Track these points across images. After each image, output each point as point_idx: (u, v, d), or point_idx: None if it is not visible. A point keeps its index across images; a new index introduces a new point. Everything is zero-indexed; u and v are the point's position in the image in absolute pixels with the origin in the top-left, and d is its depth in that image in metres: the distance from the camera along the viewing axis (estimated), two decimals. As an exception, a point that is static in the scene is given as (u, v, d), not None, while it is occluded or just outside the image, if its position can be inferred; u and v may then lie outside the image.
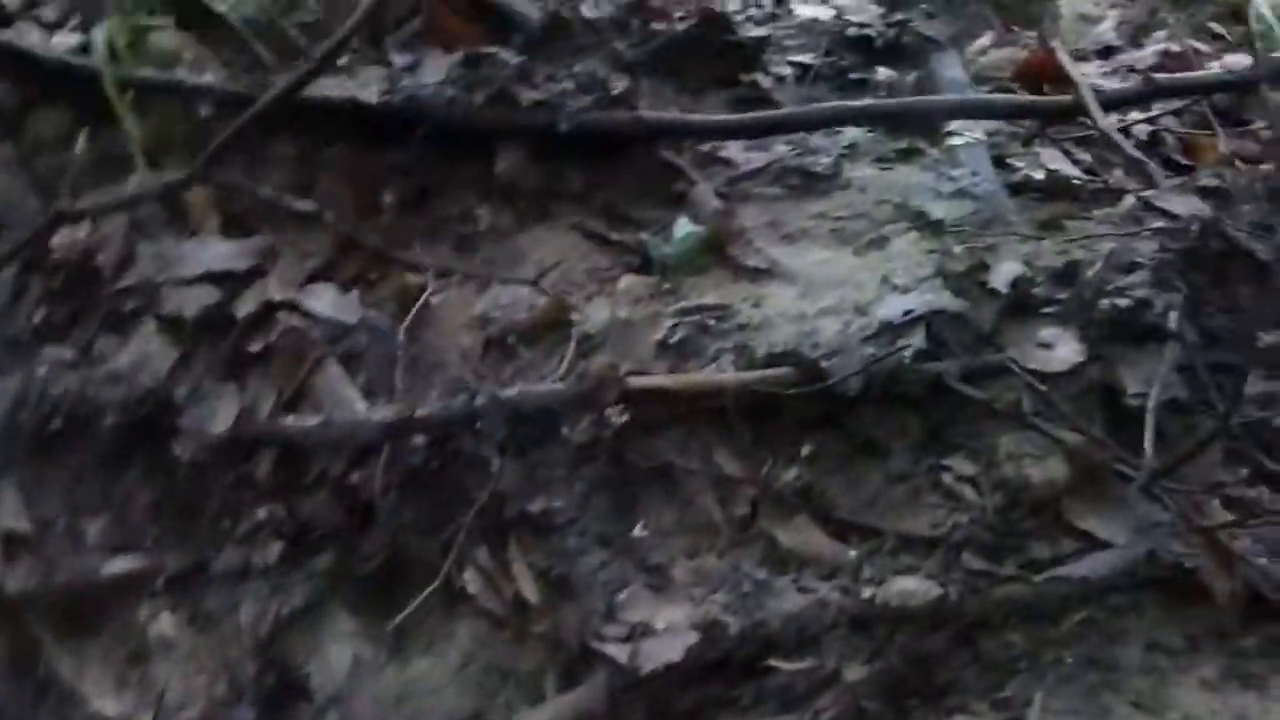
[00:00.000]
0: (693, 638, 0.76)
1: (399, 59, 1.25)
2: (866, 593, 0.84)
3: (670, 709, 0.79)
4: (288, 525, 0.83)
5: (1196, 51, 1.64)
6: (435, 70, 1.21)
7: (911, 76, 1.59)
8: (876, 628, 0.84)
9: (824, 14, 1.68)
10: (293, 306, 0.93)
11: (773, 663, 0.79)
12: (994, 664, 0.87)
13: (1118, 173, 1.48)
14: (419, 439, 0.85)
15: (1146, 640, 0.92)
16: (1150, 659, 0.91)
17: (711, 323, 1.02)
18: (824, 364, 0.95)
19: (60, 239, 0.97)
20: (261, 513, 0.83)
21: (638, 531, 0.86)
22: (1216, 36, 1.79)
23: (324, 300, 0.96)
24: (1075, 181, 1.44)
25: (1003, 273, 1.13)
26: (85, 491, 0.80)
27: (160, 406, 0.84)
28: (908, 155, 1.44)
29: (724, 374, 0.93)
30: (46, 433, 0.80)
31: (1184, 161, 1.55)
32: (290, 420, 0.82)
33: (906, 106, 1.44)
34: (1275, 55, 1.45)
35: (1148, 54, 1.74)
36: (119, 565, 0.74)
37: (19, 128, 1.05)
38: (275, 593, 0.79)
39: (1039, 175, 1.43)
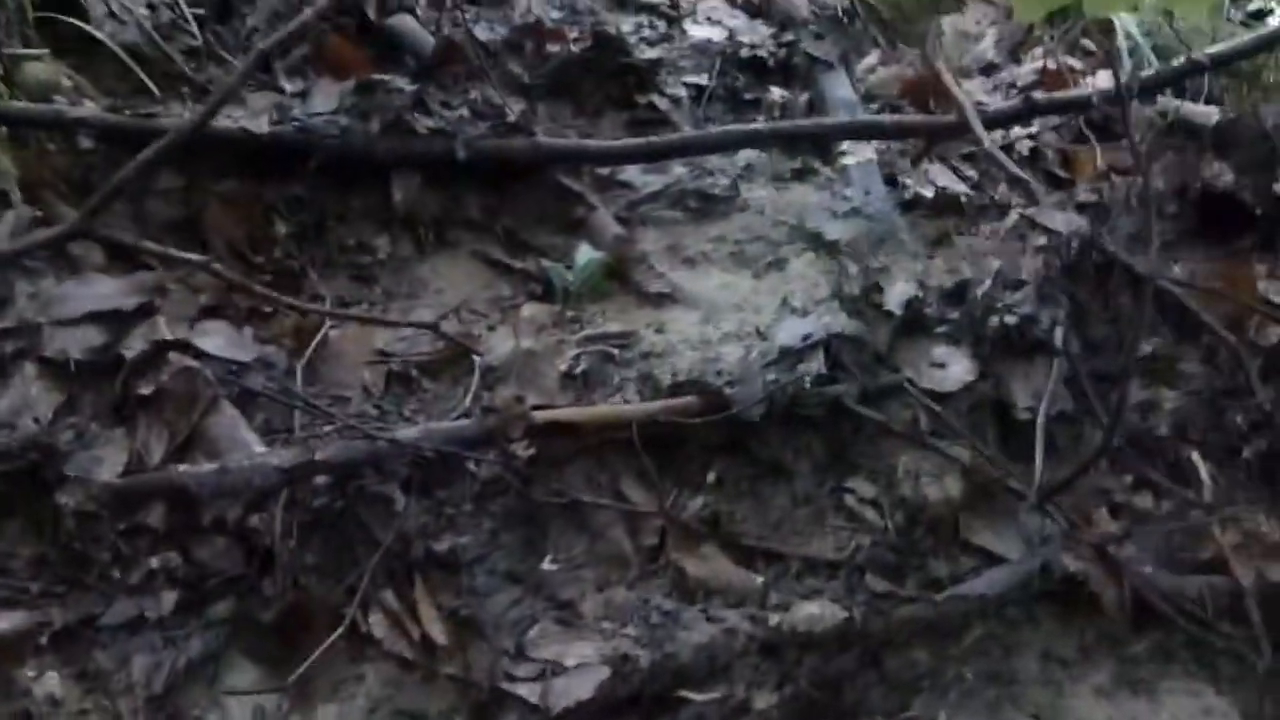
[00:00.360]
0: (604, 673, 0.77)
1: (289, 86, 1.22)
2: (774, 619, 0.85)
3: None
4: (183, 573, 0.80)
5: (1071, 69, 1.72)
6: (327, 98, 1.20)
7: (803, 96, 1.63)
8: (785, 653, 0.86)
9: (716, 35, 1.71)
10: (184, 346, 0.90)
11: (684, 694, 0.80)
12: (899, 683, 0.90)
13: (1003, 188, 1.55)
14: (320, 479, 0.84)
15: (1042, 651, 0.97)
16: (1047, 670, 0.96)
17: (615, 351, 1.03)
18: (727, 391, 0.97)
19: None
20: (154, 561, 0.80)
21: (547, 565, 0.87)
22: (1089, 53, 1.88)
23: (216, 339, 0.93)
24: (963, 198, 1.50)
25: (896, 293, 1.17)
26: (-35, 555, 0.76)
27: (44, 453, 0.80)
28: (802, 175, 1.48)
29: (629, 404, 0.94)
30: (-82, 489, 0.76)
31: (1064, 175, 1.63)
32: (184, 468, 0.79)
33: (799, 129, 1.48)
34: (1141, 72, 1.54)
35: (1026, 71, 1.82)
36: (2, 623, 0.71)
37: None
38: (170, 645, 0.76)
39: (928, 192, 1.48)
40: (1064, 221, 1.40)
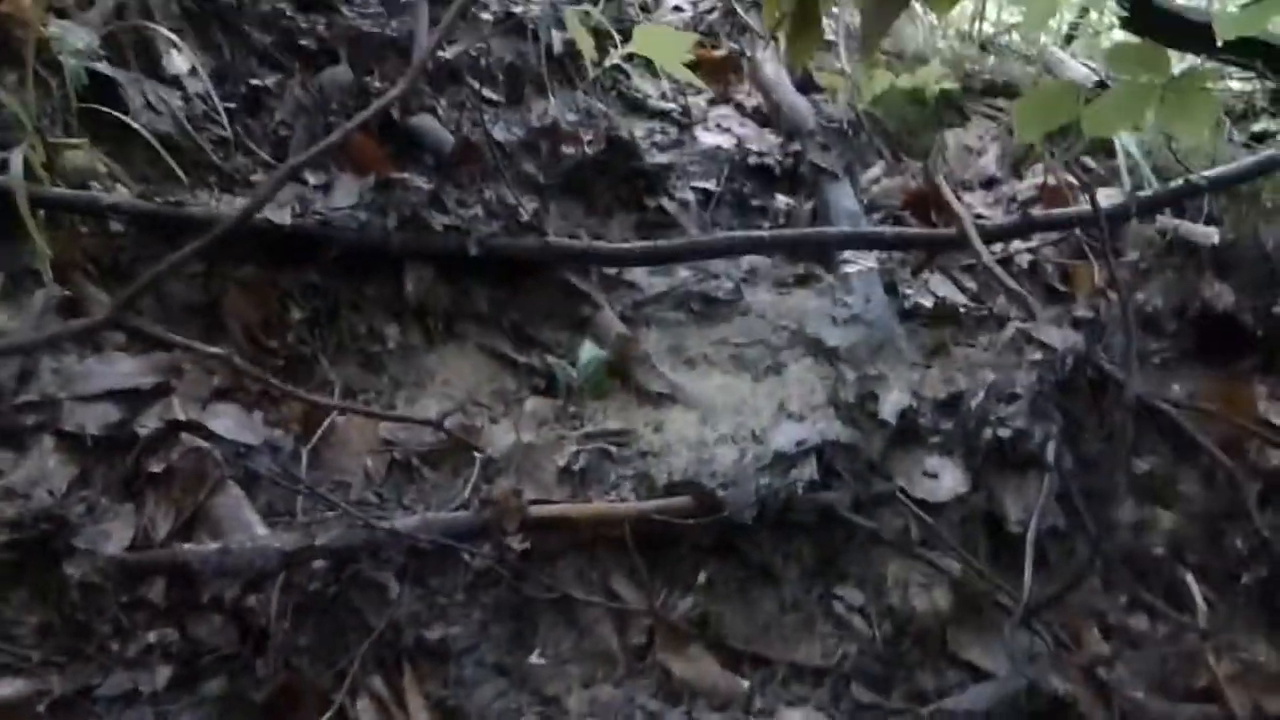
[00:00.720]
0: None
1: (312, 179, 1.29)
2: (757, 724, 0.87)
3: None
4: (179, 648, 0.83)
5: (1071, 185, 1.78)
6: (348, 193, 1.26)
7: (808, 205, 1.70)
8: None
9: (726, 142, 1.79)
10: (195, 426, 0.95)
11: (664, 795, 0.81)
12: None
13: (1001, 300, 1.60)
14: (317, 564, 0.87)
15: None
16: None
17: (613, 449, 1.07)
18: (720, 494, 1.00)
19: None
20: (152, 635, 0.83)
21: (534, 659, 0.89)
22: (1088, 170, 1.95)
23: (226, 421, 0.97)
24: (961, 309, 1.55)
25: (891, 403, 1.21)
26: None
27: (55, 524, 0.84)
28: (804, 281, 1.54)
29: (624, 503, 0.98)
30: (-70, 554, 0.80)
31: (1062, 289, 1.69)
32: (188, 547, 0.83)
33: (802, 236, 1.54)
34: (1140, 191, 1.60)
35: (1026, 186, 1.89)
36: (3, 690, 0.74)
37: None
38: (161, 719, 0.79)
39: (927, 302, 1.54)
40: (1060, 337, 1.44)
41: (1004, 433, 1.23)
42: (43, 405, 0.95)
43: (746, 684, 0.92)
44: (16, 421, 0.94)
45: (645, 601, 0.93)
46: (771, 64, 1.99)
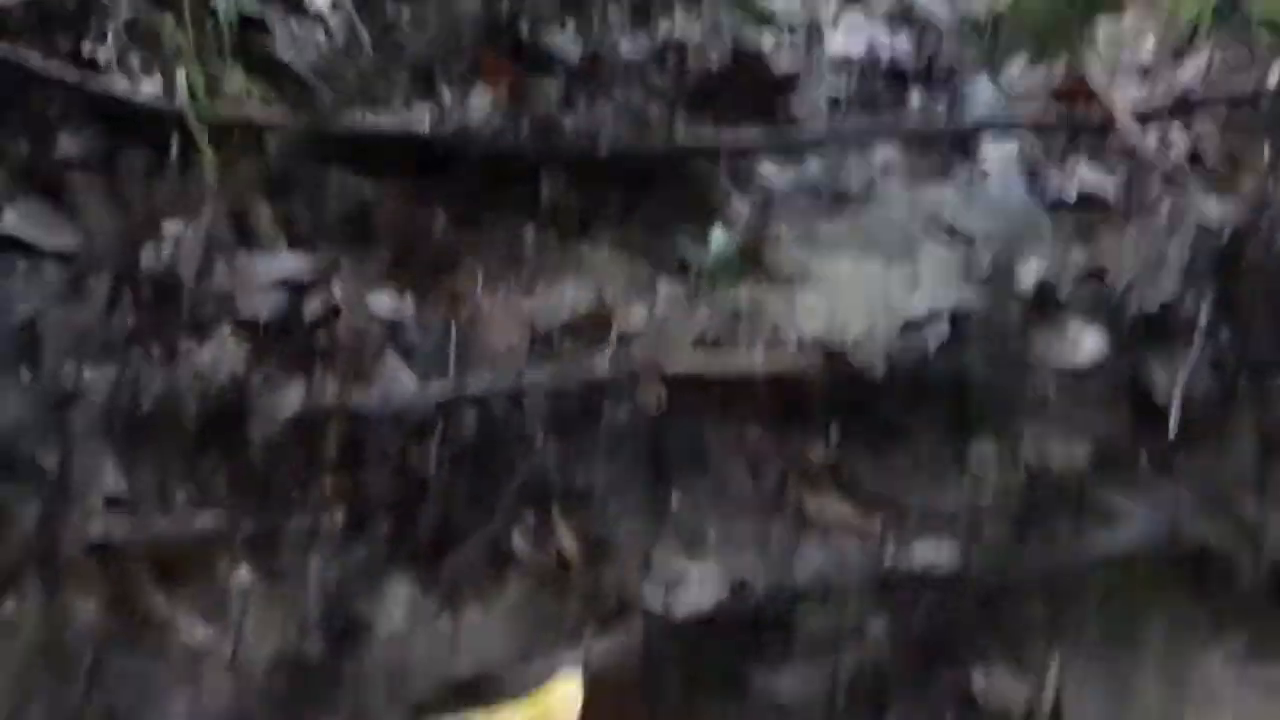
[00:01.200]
0: (723, 591, 0.86)
1: (448, 94, 1.40)
2: (890, 557, 0.93)
3: (701, 660, 0.89)
4: (351, 497, 0.95)
5: (1232, 67, 1.72)
6: (483, 106, 1.37)
7: (944, 104, 1.71)
8: (898, 591, 0.93)
9: (856, 47, 1.81)
10: (355, 308, 1.07)
11: (800, 615, 0.88)
12: (1014, 632, 0.96)
13: (1155, 187, 1.58)
14: (469, 418, 0.98)
15: (1170, 616, 1.00)
16: (1173, 633, 0.99)
17: (745, 317, 1.13)
18: (852, 352, 1.06)
19: (146, 256, 1.13)
20: (327, 486, 0.95)
21: (672, 503, 0.97)
22: (1253, 50, 1.87)
23: (383, 303, 1.10)
24: (1109, 197, 1.54)
25: (1029, 272, 1.24)
26: (173, 467, 0.93)
27: (238, 393, 0.97)
28: (940, 172, 1.56)
29: (757, 361, 1.04)
30: (138, 418, 0.93)
31: (1223, 172, 1.64)
32: (353, 395, 0.95)
33: (937, 126, 1.56)
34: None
35: (1186, 69, 1.83)
36: (203, 522, 0.86)
37: (111, 164, 1.22)
38: (339, 554, 0.90)
39: (1073, 191, 1.53)
40: (1219, 215, 1.42)
41: (1153, 302, 1.23)
42: (219, 298, 1.09)
43: (878, 524, 0.97)
44: (198, 313, 1.08)
45: (779, 450, 0.99)
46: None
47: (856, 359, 1.04)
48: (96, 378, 0.95)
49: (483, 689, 0.74)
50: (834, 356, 1.05)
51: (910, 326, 1.11)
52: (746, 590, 0.88)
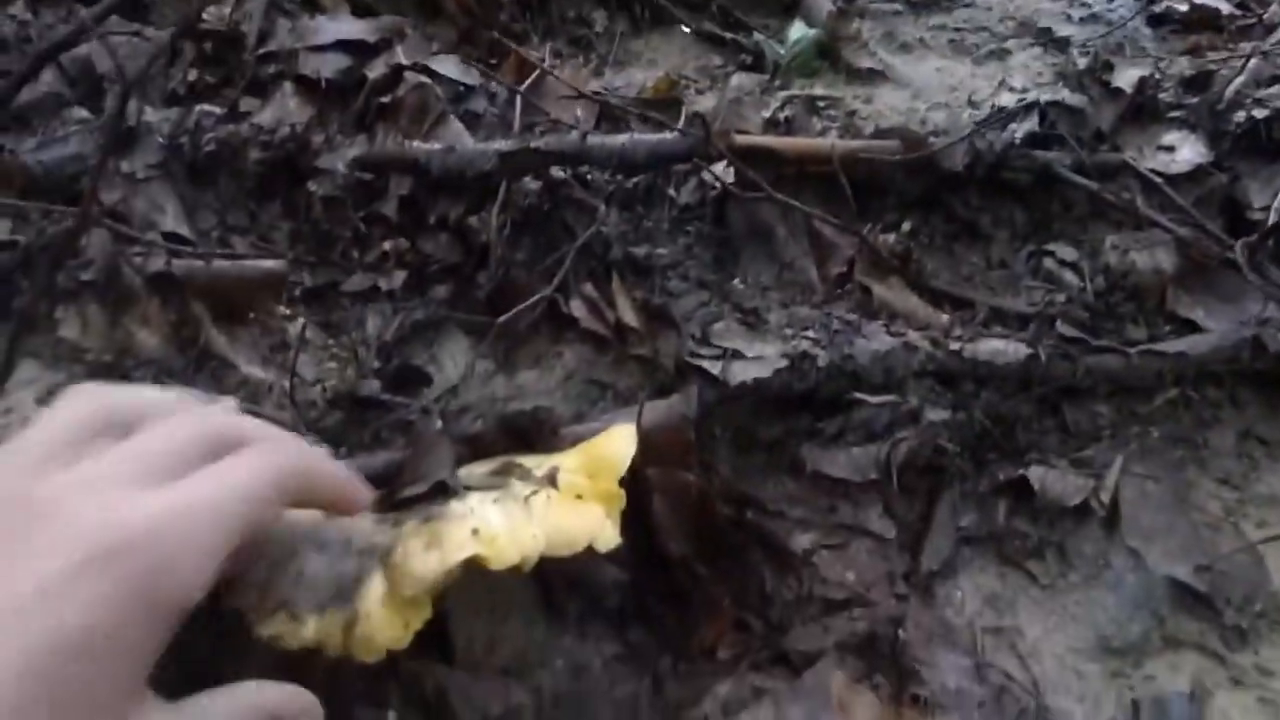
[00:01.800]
0: (782, 363, 0.84)
1: None
2: (955, 345, 0.90)
3: (757, 436, 0.88)
4: (410, 258, 0.94)
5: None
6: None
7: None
8: (963, 382, 0.91)
9: None
10: (420, 69, 1.04)
11: (858, 396, 0.87)
12: (1078, 431, 0.94)
13: (1274, 7, 1.47)
14: (531, 186, 0.95)
15: (1239, 428, 0.97)
16: (1242, 445, 0.96)
17: (820, 105, 1.08)
18: (931, 140, 1.01)
19: (210, 13, 1.10)
20: (387, 246, 0.94)
21: (735, 283, 0.95)
22: None
23: (448, 66, 1.06)
24: (1223, 13, 1.44)
25: (1128, 75, 1.17)
26: (234, 215, 0.92)
27: (300, 146, 0.95)
28: (1037, -20, 1.47)
29: (829, 146, 1.00)
30: (200, 163, 0.92)
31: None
32: (417, 144, 0.93)
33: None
34: None
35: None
36: (264, 266, 0.86)
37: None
38: (398, 312, 0.90)
39: (1182, 6, 1.44)
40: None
41: (1259, 113, 1.15)
42: (281, 56, 1.07)
43: (946, 317, 0.95)
44: (259, 72, 1.06)
45: (847, 238, 0.96)
46: None
47: (935, 150, 0.99)
48: (158, 121, 0.93)
49: (536, 433, 0.74)
50: (911, 146, 1.00)
51: (994, 120, 1.05)
52: (806, 365, 0.86)
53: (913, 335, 0.90)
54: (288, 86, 1.05)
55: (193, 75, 1.07)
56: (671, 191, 1.00)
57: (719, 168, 0.98)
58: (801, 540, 0.83)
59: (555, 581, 0.76)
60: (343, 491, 0.61)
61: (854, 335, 0.89)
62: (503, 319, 0.84)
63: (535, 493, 0.65)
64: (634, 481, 0.71)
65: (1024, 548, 0.86)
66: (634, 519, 0.71)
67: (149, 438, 0.52)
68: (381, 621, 0.57)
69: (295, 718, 0.54)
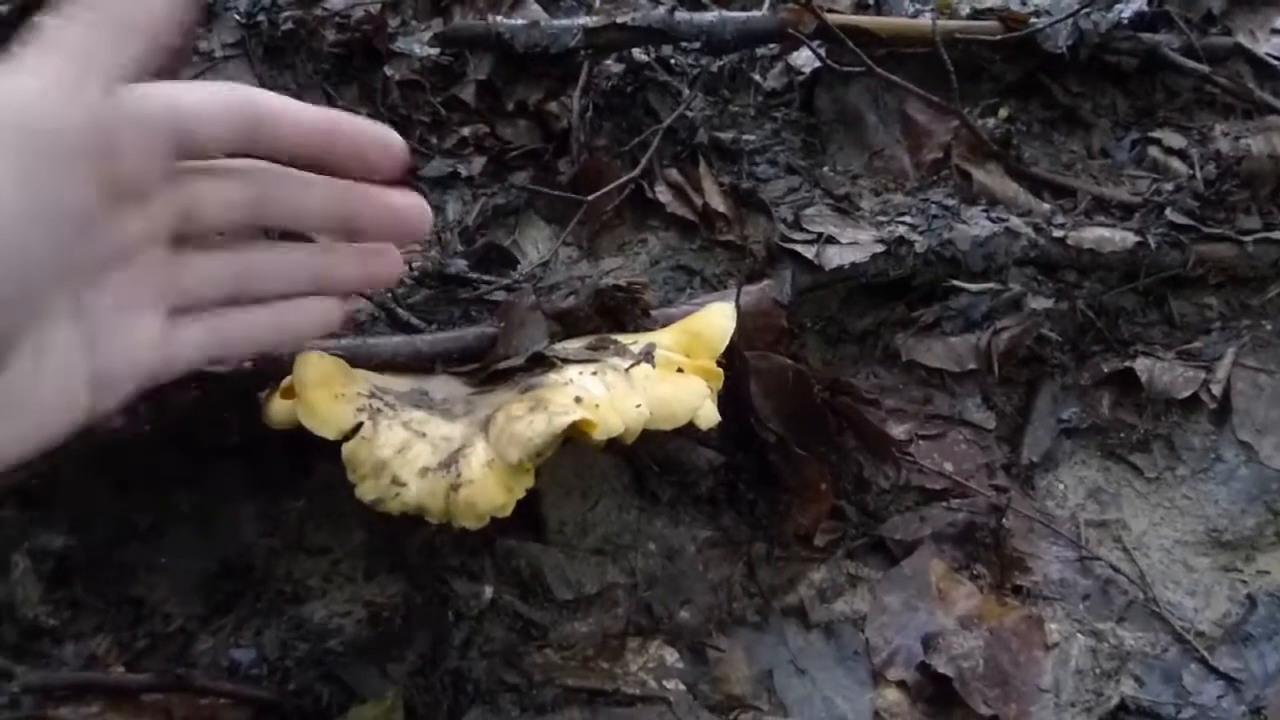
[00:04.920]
0: (879, 248, 0.81)
1: None
2: (1059, 234, 0.86)
3: (848, 327, 0.84)
4: (489, 144, 0.91)
5: None
6: None
7: None
8: (1065, 272, 0.87)
9: None
10: (495, -49, 1.00)
11: (957, 283, 0.83)
12: (1185, 324, 0.89)
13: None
14: (614, 67, 0.91)
15: (1357, 320, 0.92)
16: (1360, 337, 0.91)
17: (914, -10, 1.03)
18: (1033, 20, 0.95)
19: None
20: (466, 131, 0.91)
21: (825, 170, 0.91)
22: None
23: (526, -52, 1.02)
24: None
25: (1238, -42, 1.09)
26: (310, 98, 0.89)
27: (376, 27, 0.92)
28: None
29: (926, 26, 0.94)
30: (276, 43, 0.89)
31: None
32: (500, 18, 0.89)
33: None
34: None
35: None
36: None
37: None
38: (478, 198, 0.87)
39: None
40: None
41: (1378, 2, 1.07)
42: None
43: (1048, 205, 0.90)
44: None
45: (943, 124, 0.91)
46: None
47: (1037, 29, 0.94)
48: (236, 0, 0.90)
49: (629, 310, 0.71)
50: (1012, 26, 0.94)
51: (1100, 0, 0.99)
52: (903, 251, 0.82)
53: (1014, 221, 0.85)
54: (364, -26, 1.01)
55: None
56: (757, 77, 0.96)
57: (806, 55, 0.94)
58: (897, 430, 0.80)
59: (647, 465, 0.73)
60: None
61: (953, 220, 0.84)
62: (592, 196, 0.81)
63: (635, 364, 0.63)
64: (729, 364, 0.69)
65: (1129, 440, 0.83)
66: (728, 402, 0.69)
67: None
68: (485, 486, 0.55)
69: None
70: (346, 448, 0.56)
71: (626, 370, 0.62)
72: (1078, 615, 0.74)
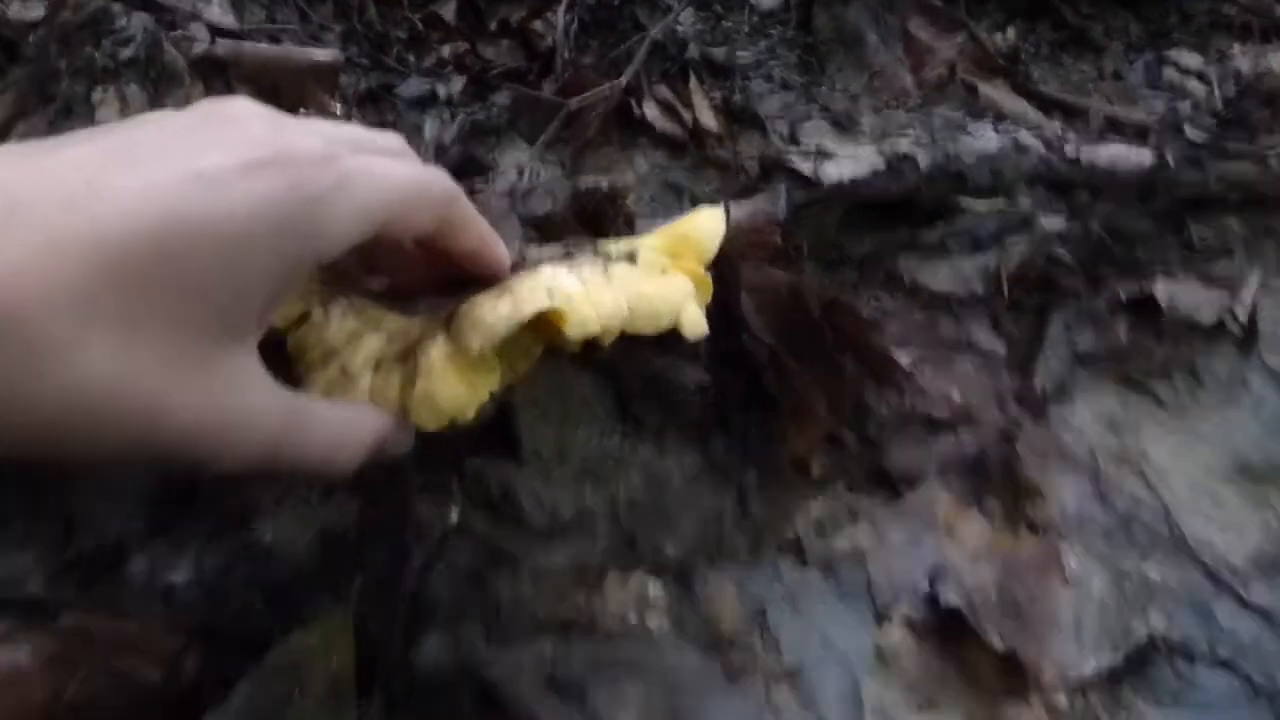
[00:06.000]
0: (879, 162, 0.73)
1: None
2: (1069, 155, 0.78)
3: (847, 250, 0.77)
4: (470, 63, 0.84)
5: None
6: None
7: None
8: (1078, 192, 0.79)
9: None
10: None
11: (963, 200, 0.75)
12: (1205, 246, 0.81)
13: None
14: (600, -18, 0.84)
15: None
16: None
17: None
18: (1039, -66, 0.88)
19: None
20: (445, 50, 0.84)
21: (823, 89, 0.83)
22: None
23: None
24: None
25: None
26: (283, 13, 0.82)
27: (348, -57, 0.85)
28: None
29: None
30: (242, -42, 0.82)
31: None
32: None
33: None
34: None
35: None
36: (314, 55, 0.76)
37: None
38: (456, 116, 0.80)
39: None
40: None
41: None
42: None
43: (1058, 124, 0.83)
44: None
45: (947, 41, 0.83)
46: None
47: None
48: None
49: (611, 214, 0.64)
50: (1022, -62, 0.87)
51: None
52: (905, 167, 0.74)
53: (1023, 135, 0.78)
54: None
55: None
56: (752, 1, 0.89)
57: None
58: (901, 356, 0.73)
59: (630, 386, 0.66)
60: (485, 236, 0.52)
61: (958, 134, 0.77)
62: (575, 101, 0.74)
63: (615, 262, 0.56)
64: (718, 276, 0.61)
65: (1148, 368, 0.75)
66: (718, 319, 0.61)
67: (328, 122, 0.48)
68: (445, 378, 0.48)
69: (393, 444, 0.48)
70: (293, 336, 0.49)
71: (605, 268, 0.55)
72: (1098, 550, 0.67)
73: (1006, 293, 0.75)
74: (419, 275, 0.55)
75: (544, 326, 0.51)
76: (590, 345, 0.56)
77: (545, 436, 0.63)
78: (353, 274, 0.54)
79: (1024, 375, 0.74)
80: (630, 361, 0.64)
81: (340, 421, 0.47)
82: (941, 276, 0.75)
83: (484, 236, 0.53)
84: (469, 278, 0.53)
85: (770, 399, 0.67)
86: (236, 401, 0.41)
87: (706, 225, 0.60)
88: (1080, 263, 0.78)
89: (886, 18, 0.87)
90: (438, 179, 0.50)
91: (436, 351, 0.49)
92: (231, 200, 0.38)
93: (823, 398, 0.66)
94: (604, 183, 0.63)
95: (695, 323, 0.56)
